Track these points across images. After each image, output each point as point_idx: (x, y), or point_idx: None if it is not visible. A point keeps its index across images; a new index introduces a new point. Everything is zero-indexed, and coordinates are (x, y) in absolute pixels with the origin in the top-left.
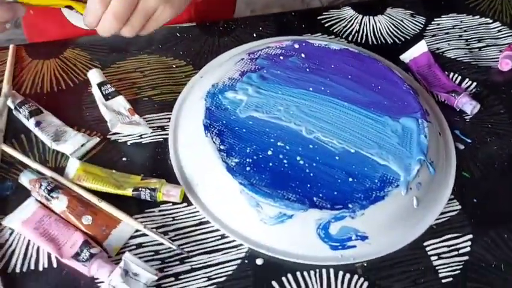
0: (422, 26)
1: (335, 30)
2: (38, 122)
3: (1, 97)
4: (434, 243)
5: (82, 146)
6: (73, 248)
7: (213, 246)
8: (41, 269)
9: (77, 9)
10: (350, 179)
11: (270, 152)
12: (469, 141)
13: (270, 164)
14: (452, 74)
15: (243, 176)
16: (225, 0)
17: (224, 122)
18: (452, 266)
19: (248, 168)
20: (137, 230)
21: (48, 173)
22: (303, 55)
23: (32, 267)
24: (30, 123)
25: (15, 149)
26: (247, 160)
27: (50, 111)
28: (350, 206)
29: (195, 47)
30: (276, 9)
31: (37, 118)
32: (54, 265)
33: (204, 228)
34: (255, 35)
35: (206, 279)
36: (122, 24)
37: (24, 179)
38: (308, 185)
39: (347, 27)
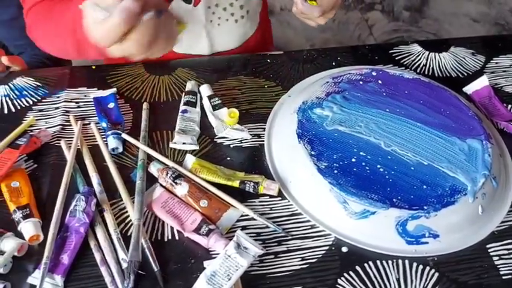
0: (482, 63)
1: (404, 63)
2: None
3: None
4: (495, 246)
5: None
6: (193, 224)
7: (304, 234)
8: (166, 240)
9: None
10: (424, 186)
11: (354, 160)
12: None
13: (355, 169)
14: (510, 106)
15: (332, 177)
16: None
17: (313, 132)
18: (511, 266)
19: (336, 171)
20: (242, 215)
21: (171, 164)
22: (380, 81)
23: (159, 238)
24: None
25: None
26: (335, 165)
27: (165, 116)
28: (425, 207)
29: (282, 71)
30: (333, 45)
31: None
32: (177, 238)
33: (296, 218)
34: (333, 64)
35: (300, 259)
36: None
37: (153, 168)
38: (388, 189)
39: (415, 61)
